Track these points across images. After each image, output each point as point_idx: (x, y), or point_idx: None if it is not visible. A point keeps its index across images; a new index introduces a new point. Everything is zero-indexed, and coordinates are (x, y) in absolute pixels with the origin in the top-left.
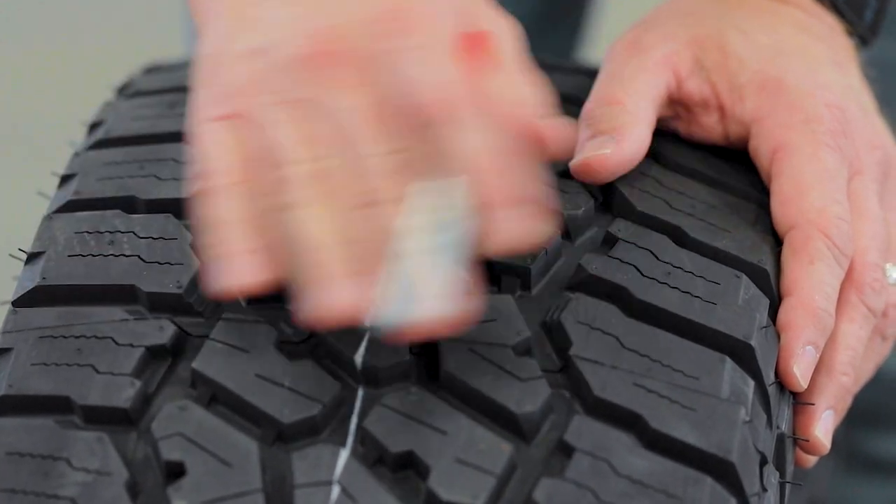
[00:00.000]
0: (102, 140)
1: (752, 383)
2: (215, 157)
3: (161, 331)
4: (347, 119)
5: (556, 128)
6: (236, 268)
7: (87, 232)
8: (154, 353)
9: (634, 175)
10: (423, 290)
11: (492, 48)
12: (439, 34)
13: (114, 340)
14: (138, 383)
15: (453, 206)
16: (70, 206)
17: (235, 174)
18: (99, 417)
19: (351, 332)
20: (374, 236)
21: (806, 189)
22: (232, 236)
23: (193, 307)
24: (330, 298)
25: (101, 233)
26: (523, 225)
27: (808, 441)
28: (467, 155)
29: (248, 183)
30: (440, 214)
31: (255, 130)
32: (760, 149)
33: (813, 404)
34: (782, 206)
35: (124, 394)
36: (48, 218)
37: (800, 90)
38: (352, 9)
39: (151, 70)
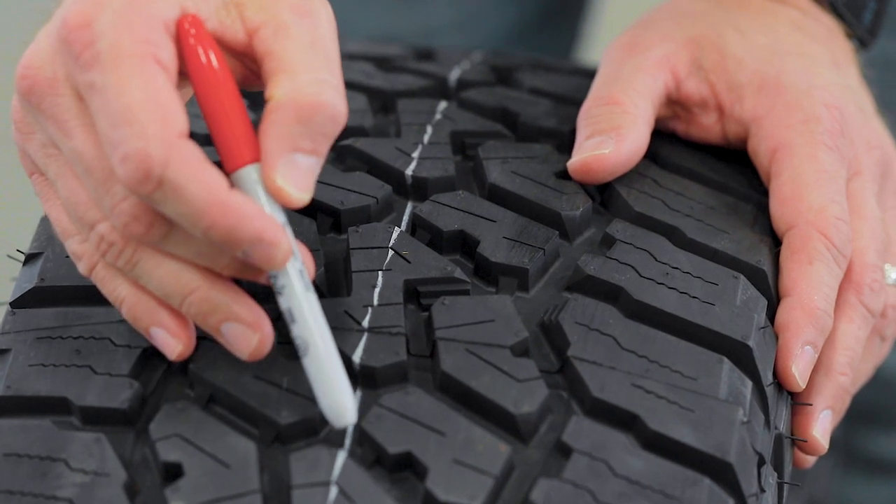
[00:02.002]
0: None
1: (749, 384)
2: (63, 231)
3: None
4: (80, 158)
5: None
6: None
7: None
8: (152, 354)
9: (632, 176)
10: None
11: (201, 31)
12: (124, 59)
13: (112, 341)
14: (136, 384)
15: None
16: None
17: (91, 253)
18: (97, 418)
19: (349, 334)
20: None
21: (805, 189)
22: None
23: None
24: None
25: None
26: None
27: (806, 441)
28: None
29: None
30: None
31: (53, 186)
32: (759, 149)
33: (811, 405)
34: (781, 206)
35: (122, 395)
36: (46, 219)
37: (798, 90)
38: (51, 31)
39: None
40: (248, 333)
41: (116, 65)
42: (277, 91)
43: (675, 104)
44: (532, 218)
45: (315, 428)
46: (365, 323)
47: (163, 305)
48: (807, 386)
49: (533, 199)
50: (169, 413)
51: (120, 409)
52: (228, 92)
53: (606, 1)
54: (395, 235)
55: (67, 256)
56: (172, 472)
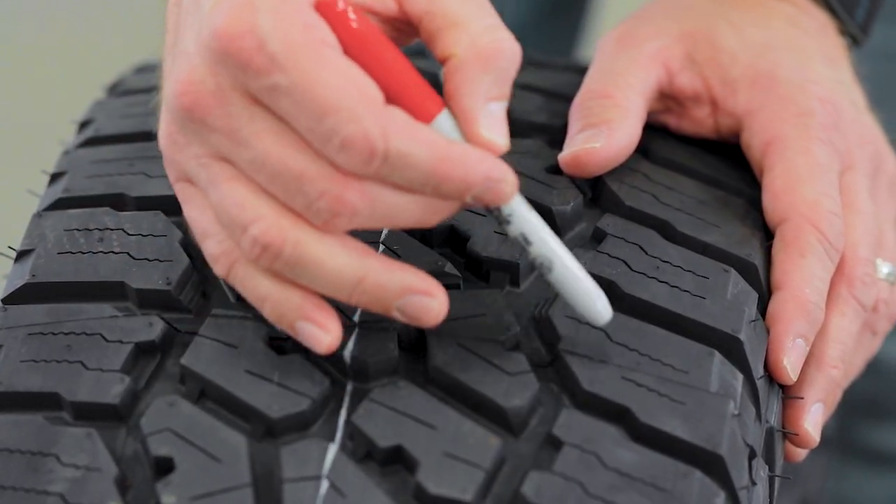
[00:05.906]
0: (92, 138)
1: (740, 377)
2: (201, 232)
3: (150, 327)
4: (263, 164)
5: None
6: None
7: (77, 229)
8: (143, 350)
9: (623, 170)
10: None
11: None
12: (299, 52)
13: (103, 337)
14: (127, 379)
15: None
16: (60, 204)
17: (228, 252)
18: (88, 413)
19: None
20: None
21: (798, 183)
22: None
23: (182, 303)
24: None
25: (91, 230)
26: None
27: (797, 434)
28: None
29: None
30: None
31: (203, 192)
32: (752, 142)
33: (802, 398)
34: (774, 200)
35: (113, 390)
36: (38, 216)
37: (792, 84)
38: (202, 44)
39: (142, 69)
40: (427, 301)
41: (295, 61)
42: (457, 48)
43: (667, 98)
44: None
45: (306, 422)
46: (356, 318)
47: (309, 298)
48: (798, 379)
49: (524, 194)
50: (160, 408)
51: (111, 405)
52: (395, 51)
53: (608, 2)
54: (385, 230)
55: (59, 253)
56: (164, 467)
